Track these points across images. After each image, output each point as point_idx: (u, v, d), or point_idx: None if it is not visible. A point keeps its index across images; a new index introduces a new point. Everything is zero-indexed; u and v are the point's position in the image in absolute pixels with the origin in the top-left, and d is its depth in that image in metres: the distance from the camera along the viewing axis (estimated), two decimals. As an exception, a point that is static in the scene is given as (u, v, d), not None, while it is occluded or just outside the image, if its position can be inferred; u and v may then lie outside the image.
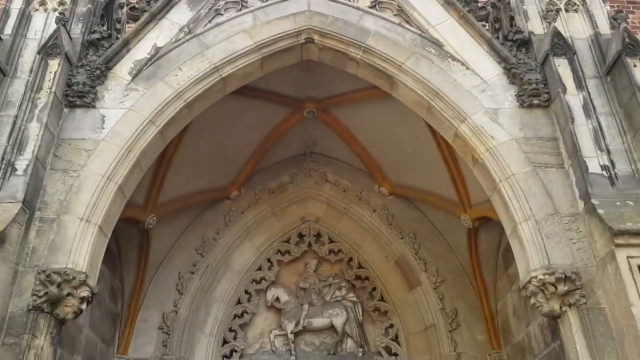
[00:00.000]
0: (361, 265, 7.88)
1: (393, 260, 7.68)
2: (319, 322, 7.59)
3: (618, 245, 4.23)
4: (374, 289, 7.76)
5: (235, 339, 7.38)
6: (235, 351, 7.30)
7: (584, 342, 4.26)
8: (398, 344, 7.40)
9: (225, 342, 7.37)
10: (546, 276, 4.48)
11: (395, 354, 7.34)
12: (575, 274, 4.45)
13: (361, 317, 7.67)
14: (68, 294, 4.41)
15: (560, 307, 4.45)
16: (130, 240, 6.77)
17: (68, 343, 5.35)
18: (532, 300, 4.67)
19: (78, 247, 4.58)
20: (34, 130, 4.85)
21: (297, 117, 7.35)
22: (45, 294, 4.32)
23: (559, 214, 4.77)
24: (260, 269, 7.86)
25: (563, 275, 4.43)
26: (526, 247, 4.71)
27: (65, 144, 5.09)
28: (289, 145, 7.90)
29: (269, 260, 7.91)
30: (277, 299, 7.75)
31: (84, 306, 4.53)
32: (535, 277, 4.57)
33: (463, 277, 7.36)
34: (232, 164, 7.60)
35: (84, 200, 4.78)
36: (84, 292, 4.50)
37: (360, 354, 7.41)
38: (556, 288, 4.44)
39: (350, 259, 7.92)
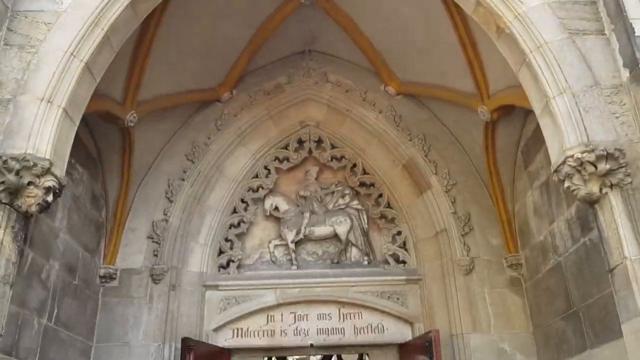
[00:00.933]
0: (366, 171, 7.28)
1: (401, 165, 7.06)
2: (321, 230, 7.08)
3: (670, 115, 3.59)
4: (380, 195, 7.19)
5: (231, 249, 6.88)
6: (233, 261, 6.82)
7: (628, 225, 3.68)
8: (406, 251, 6.91)
9: (221, 252, 6.88)
10: (585, 154, 3.84)
11: (404, 262, 6.86)
12: (618, 150, 3.81)
13: (366, 225, 7.15)
14: (29, 183, 3.80)
15: (600, 189, 3.84)
16: (111, 143, 6.13)
17: (41, 246, 4.83)
18: (567, 184, 4.06)
19: (39, 131, 3.92)
20: (-19, -1, 4.11)
21: (293, 4, 6.50)
22: (2, 182, 3.72)
23: (599, 86, 4.08)
24: (256, 176, 7.26)
25: (604, 153, 3.80)
26: (560, 124, 4.04)
27: (21, 16, 4.34)
28: (285, 40, 7.07)
29: (266, 168, 7.30)
30: (276, 208, 7.20)
31: (49, 198, 3.93)
32: (572, 156, 3.95)
33: (477, 179, 6.77)
34: (222, 60, 6.82)
35: (45, 79, 4.08)
36: (49, 182, 3.88)
37: (366, 263, 6.94)
38: (596, 167, 3.82)
39: (354, 165, 7.31)
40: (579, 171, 3.96)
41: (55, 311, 5.04)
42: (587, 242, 4.80)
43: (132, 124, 5.87)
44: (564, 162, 4.02)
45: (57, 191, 4.07)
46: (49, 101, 4.03)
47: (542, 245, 5.76)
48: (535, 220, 5.93)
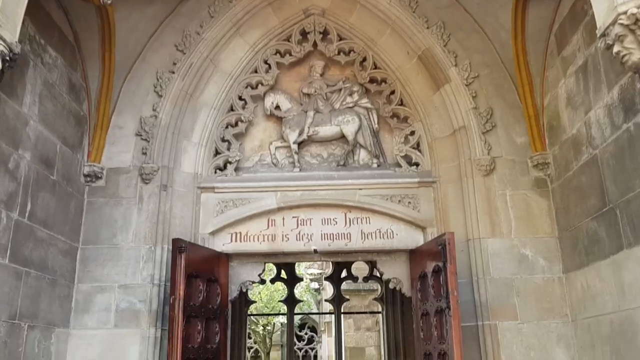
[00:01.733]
0: (377, 66, 6.51)
1: (416, 57, 6.29)
2: (326, 130, 6.44)
3: None
4: (392, 92, 6.46)
5: (229, 149, 6.31)
6: (230, 162, 6.26)
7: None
8: (420, 152, 6.28)
9: (217, 153, 6.32)
10: (642, 8, 3.12)
11: (416, 164, 6.25)
12: (686, 1, 3.07)
13: (376, 125, 6.49)
14: (-31, 46, 3.19)
15: (658, 51, 3.14)
16: (89, 25, 5.44)
17: (6, 132, 4.27)
18: (616, 48, 3.38)
19: (-22, -18, 3.26)
20: None
21: None
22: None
23: None
24: (255, 71, 6.55)
25: (667, 4, 3.07)
26: (613, -28, 3.28)
27: None
28: None
29: (266, 62, 6.58)
30: (277, 106, 6.54)
31: (-2, 65, 3.33)
32: (625, 12, 3.27)
33: (502, 70, 6.00)
34: None
35: None
36: (-4, 45, 3.27)
37: (375, 166, 6.35)
38: (655, 24, 3.10)
39: (364, 59, 6.54)
40: (632, 31, 3.29)
41: (29, 206, 4.57)
42: (631, 127, 4.12)
43: (108, 1, 5.14)
44: (614, 22, 3.34)
45: (8, 59, 3.48)
46: (-11, -54, 3.34)
47: (574, 140, 5.09)
48: (567, 112, 5.22)
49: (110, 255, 5.51)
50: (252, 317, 25.21)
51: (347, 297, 11.91)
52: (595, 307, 4.72)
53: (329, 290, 13.71)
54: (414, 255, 5.89)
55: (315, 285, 23.55)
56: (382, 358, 11.28)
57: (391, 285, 6.20)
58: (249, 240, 6.04)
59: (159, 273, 5.48)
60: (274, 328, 26.47)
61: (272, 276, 11.39)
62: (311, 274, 23.04)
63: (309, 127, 6.41)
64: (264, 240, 6.05)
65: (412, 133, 6.36)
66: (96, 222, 5.61)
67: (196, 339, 5.23)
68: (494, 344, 5.23)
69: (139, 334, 5.25)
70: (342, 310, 11.31)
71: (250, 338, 27.69)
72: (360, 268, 11.14)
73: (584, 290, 4.92)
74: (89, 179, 5.67)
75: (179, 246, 5.19)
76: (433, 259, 5.36)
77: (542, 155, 5.62)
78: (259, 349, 27.58)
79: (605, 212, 4.53)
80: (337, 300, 11.07)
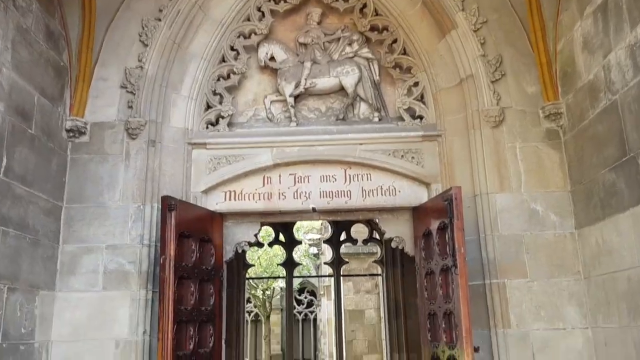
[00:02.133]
0: (378, 13, 6.08)
1: (420, 2, 5.86)
2: (324, 82, 6.06)
3: None
4: (395, 41, 6.05)
5: (221, 103, 5.94)
6: (222, 117, 5.90)
7: None
8: (424, 104, 5.93)
9: (209, 107, 5.95)
10: None
11: (420, 117, 5.90)
12: None
13: (378, 77, 6.10)
14: None
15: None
16: (64, -33, 5.01)
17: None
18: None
19: None
20: None
21: None
22: None
23: None
24: (248, 19, 6.11)
25: None
26: None
27: None
28: None
29: (259, 10, 6.13)
30: (272, 57, 6.13)
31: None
32: None
33: (512, 15, 5.60)
34: None
35: None
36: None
37: (377, 119, 5.99)
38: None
39: (364, 6, 6.09)
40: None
41: (5, 161, 4.24)
42: (659, 67, 3.77)
43: (84, -63, 4.71)
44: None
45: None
46: None
47: (590, 86, 4.73)
48: (583, 56, 4.85)
49: (97, 215, 5.20)
50: (251, 281, 25.32)
51: (347, 260, 11.71)
52: (611, 263, 4.45)
53: (328, 254, 13.53)
54: (418, 212, 5.60)
55: (314, 250, 23.48)
56: (382, 320, 11.15)
57: (393, 245, 5.92)
58: (244, 199, 5.74)
59: (149, 233, 5.18)
60: (273, 292, 26.59)
61: (271, 239, 11.18)
62: (310, 239, 22.96)
63: (305, 79, 6.03)
64: (259, 199, 5.75)
65: (416, 84, 5.98)
66: (81, 179, 5.28)
67: (189, 300, 4.98)
68: (502, 303, 4.99)
69: (129, 296, 4.99)
70: (341, 273, 11.12)
71: (250, 302, 27.92)
72: (359, 231, 10.93)
73: (599, 245, 4.65)
74: (71, 134, 5.32)
75: (168, 204, 4.89)
76: (438, 216, 5.07)
77: (555, 105, 5.27)
78: (259, 312, 27.79)
79: (624, 162, 4.22)
80: (337, 263, 10.87)
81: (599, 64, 4.58)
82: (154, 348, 4.83)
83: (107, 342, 4.89)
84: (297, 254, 21.42)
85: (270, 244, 11.27)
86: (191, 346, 4.91)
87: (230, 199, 5.73)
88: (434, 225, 5.15)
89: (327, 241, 11.49)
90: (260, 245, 10.71)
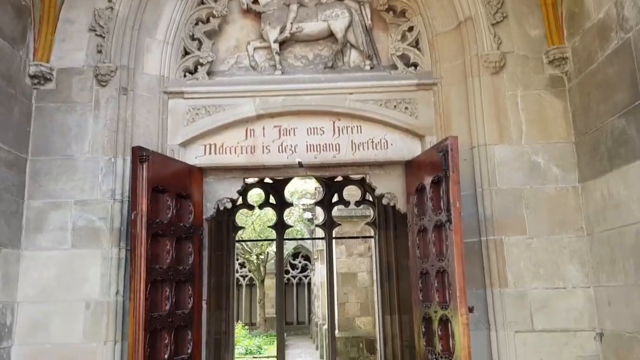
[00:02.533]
0: (370, -49, 5.62)
1: (415, -63, 5.39)
2: (312, 27, 5.62)
3: None
4: (388, -19, 5.60)
5: (199, 49, 5.51)
6: (201, 64, 5.47)
7: None
8: (419, 50, 5.51)
9: (187, 53, 5.52)
10: None
11: (415, 65, 5.48)
12: None
13: (369, 21, 5.64)
14: None
15: None
16: None
17: None
18: None
19: None
20: None
21: None
22: None
23: None
24: (228, -42, 5.65)
25: None
26: None
27: None
28: None
29: (241, -52, 5.66)
30: (255, 0, 5.69)
31: None
32: None
33: (516, -49, 5.14)
34: None
35: None
36: None
37: (368, 67, 5.57)
38: None
39: (355, -56, 5.63)
40: None
41: (-44, 105, 3.84)
42: (681, -4, 3.36)
43: None
44: None
45: None
46: None
47: (600, 25, 4.32)
48: (594, -7, 4.42)
49: (65, 168, 4.83)
50: (246, 247, 25.18)
51: (339, 222, 11.43)
52: (618, 217, 4.13)
53: (321, 217, 13.23)
54: (411, 166, 5.24)
55: (308, 215, 23.24)
56: (375, 283, 10.94)
57: (384, 202, 5.58)
58: (225, 153, 5.36)
59: (121, 188, 4.81)
60: (267, 257, 26.51)
61: (261, 201, 10.85)
62: (304, 204, 22.71)
63: (291, 23, 5.58)
64: (242, 153, 5.37)
65: (411, 29, 5.54)
66: (47, 130, 4.89)
67: (165, 259, 4.66)
68: (499, 261, 4.68)
69: (100, 254, 4.65)
70: (333, 236, 10.84)
71: (245, 267, 27.89)
72: (352, 194, 10.60)
73: (605, 199, 4.32)
74: (36, 80, 4.89)
75: (140, 155, 4.51)
76: (432, 169, 4.72)
77: (560, 49, 4.87)
78: (254, 277, 27.80)
79: (636, 107, 3.85)
80: (328, 225, 10.57)
81: (610, 0, 4.15)
82: (128, 309, 4.53)
83: (77, 303, 4.58)
84: (291, 218, 21.24)
85: (261, 206, 10.95)
86: (167, 307, 4.62)
87: (210, 153, 5.36)
88: (428, 179, 4.81)
89: (318, 203, 11.16)
90: (250, 207, 10.38)
